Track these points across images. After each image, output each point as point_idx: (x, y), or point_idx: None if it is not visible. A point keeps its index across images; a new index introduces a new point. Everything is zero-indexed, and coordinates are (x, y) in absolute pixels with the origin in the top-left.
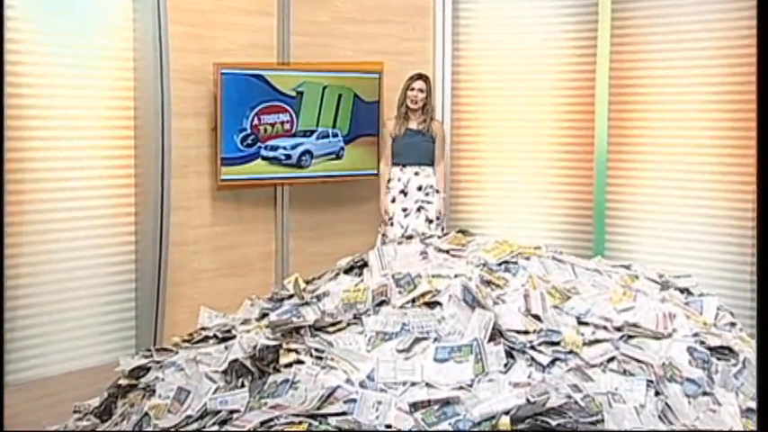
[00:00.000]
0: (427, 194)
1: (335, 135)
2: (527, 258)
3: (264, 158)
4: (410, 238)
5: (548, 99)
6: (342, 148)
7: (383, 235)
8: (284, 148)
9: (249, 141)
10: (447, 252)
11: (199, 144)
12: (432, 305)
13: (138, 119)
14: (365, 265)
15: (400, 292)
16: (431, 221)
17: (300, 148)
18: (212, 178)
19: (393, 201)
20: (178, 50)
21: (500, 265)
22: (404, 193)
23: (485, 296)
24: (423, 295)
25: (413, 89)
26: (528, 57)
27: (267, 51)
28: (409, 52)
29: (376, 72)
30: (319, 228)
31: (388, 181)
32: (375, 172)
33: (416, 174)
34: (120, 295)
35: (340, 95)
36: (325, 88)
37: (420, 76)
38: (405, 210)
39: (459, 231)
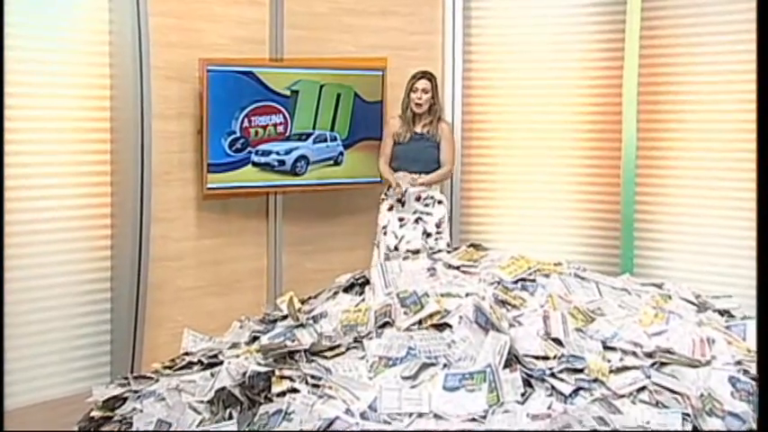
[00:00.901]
0: (427, 205)
1: (334, 139)
2: (546, 276)
3: (255, 165)
4: (416, 252)
5: (570, 99)
6: (341, 154)
7: (377, 245)
8: (277, 154)
9: (238, 146)
10: (457, 268)
11: (182, 149)
12: (441, 327)
13: (115, 120)
14: (367, 282)
15: (406, 313)
16: (429, 235)
17: (295, 154)
18: (197, 186)
19: (390, 209)
20: (160, 45)
21: (516, 283)
22: (401, 201)
23: (499, 317)
24: (431, 316)
25: (416, 90)
26: (548, 53)
27: (258, 46)
28: (416, 47)
29: (379, 69)
30: (316, 241)
31: (387, 188)
32: (378, 179)
33: (415, 180)
34: (93, 316)
35: (339, 95)
36: (322, 87)
37: (423, 75)
38: (401, 219)
39: (470, 246)
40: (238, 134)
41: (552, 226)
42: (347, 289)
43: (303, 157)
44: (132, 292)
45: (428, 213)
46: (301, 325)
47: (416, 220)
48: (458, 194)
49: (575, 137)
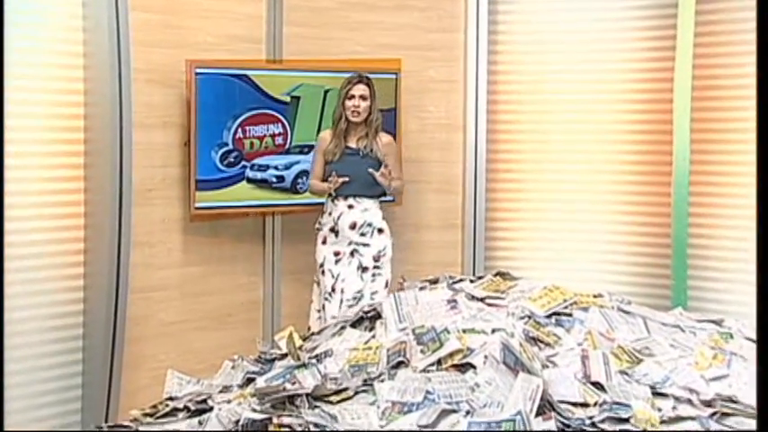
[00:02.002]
0: (363, 234)
1: None
2: (585, 309)
3: (250, 181)
4: (435, 282)
5: (612, 107)
6: None
7: (317, 283)
8: (275, 169)
9: (231, 159)
10: (482, 300)
11: (167, 163)
12: (463, 368)
13: (90, 131)
14: (378, 316)
15: (423, 351)
16: (364, 270)
17: (296, 169)
18: (184, 206)
19: (324, 242)
20: (141, 44)
21: (550, 317)
22: (334, 232)
23: (531, 357)
24: (451, 355)
25: (351, 97)
26: (587, 54)
27: (254, 45)
28: (435, 46)
29: (392, 72)
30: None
31: (321, 215)
32: (392, 198)
33: (350, 207)
34: (63, 356)
35: None
36: (327, 92)
37: (360, 79)
38: (336, 254)
39: (496, 274)
40: (231, 146)
41: (591, 252)
42: (355, 323)
43: (305, 172)
44: (108, 328)
45: (365, 245)
46: (303, 365)
47: (352, 253)
48: (482, 215)
49: (618, 149)
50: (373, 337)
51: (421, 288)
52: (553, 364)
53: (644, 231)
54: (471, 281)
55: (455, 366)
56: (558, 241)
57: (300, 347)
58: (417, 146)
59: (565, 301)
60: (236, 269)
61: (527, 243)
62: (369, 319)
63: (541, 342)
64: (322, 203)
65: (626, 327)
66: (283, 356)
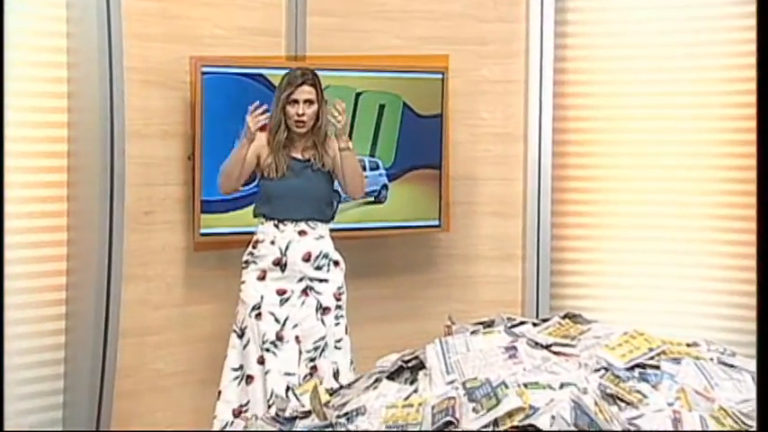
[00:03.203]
0: (319, 268)
1: (375, 167)
2: (676, 361)
3: None
4: (490, 325)
5: (702, 118)
6: (384, 187)
7: (238, 334)
8: None
9: None
10: (548, 348)
11: (167, 180)
12: (525, 430)
13: (75, 142)
14: (421, 366)
15: (476, 410)
16: (325, 311)
17: None
18: (187, 232)
19: (262, 278)
20: (136, 38)
21: (632, 370)
22: (280, 265)
23: (608, 419)
24: (510, 415)
25: (295, 102)
26: (675, 48)
27: (272, 39)
28: (488, 40)
29: (437, 71)
30: (351, 308)
31: (254, 244)
32: (436, 223)
33: (302, 233)
34: (39, 414)
35: (382, 106)
36: (359, 96)
37: (304, 79)
38: (282, 293)
39: (565, 316)
40: None
41: (683, 290)
42: (393, 375)
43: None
44: (94, 379)
45: (322, 280)
46: (330, 425)
47: (305, 291)
48: (546, 244)
49: (708, 163)
50: (415, 391)
51: (473, 332)
52: (636, 427)
53: (747, 266)
54: (534, 324)
55: (515, 428)
56: (641, 276)
57: (327, 404)
58: (468, 160)
59: (650, 350)
60: None
61: (602, 278)
62: (409, 369)
63: (622, 400)
64: (364, 228)
65: (729, 384)
66: (306, 414)
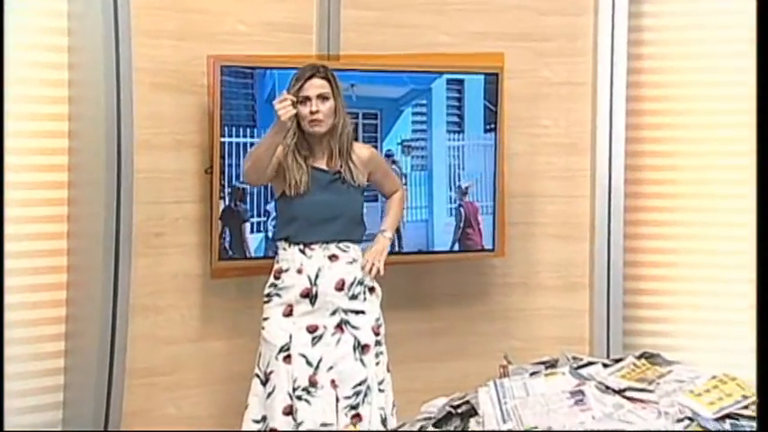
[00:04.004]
0: (355, 297)
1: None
2: None
3: None
4: (553, 365)
5: None
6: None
7: (261, 379)
8: None
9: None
10: (621, 393)
11: (181, 197)
12: None
13: (76, 154)
14: (472, 412)
15: None
16: (364, 349)
17: None
18: (204, 257)
19: (288, 313)
20: (146, 34)
21: (722, 420)
22: (309, 297)
23: None
24: None
25: (306, 99)
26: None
27: (301, 36)
28: (551, 35)
29: (491, 71)
30: (394, 345)
31: (276, 274)
32: (489, 247)
33: (333, 258)
34: None
35: None
36: (400, 100)
37: (314, 71)
38: (313, 330)
39: (641, 356)
40: None
41: None
42: (441, 422)
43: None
44: (97, 425)
45: (358, 312)
46: None
47: (340, 327)
48: (618, 271)
49: None
50: None
51: (532, 374)
52: None
53: None
54: (605, 365)
55: None
56: (731, 311)
57: None
58: (526, 175)
59: (744, 397)
60: None
61: (685, 312)
62: (459, 416)
63: None
64: (405, 252)
65: None
66: None
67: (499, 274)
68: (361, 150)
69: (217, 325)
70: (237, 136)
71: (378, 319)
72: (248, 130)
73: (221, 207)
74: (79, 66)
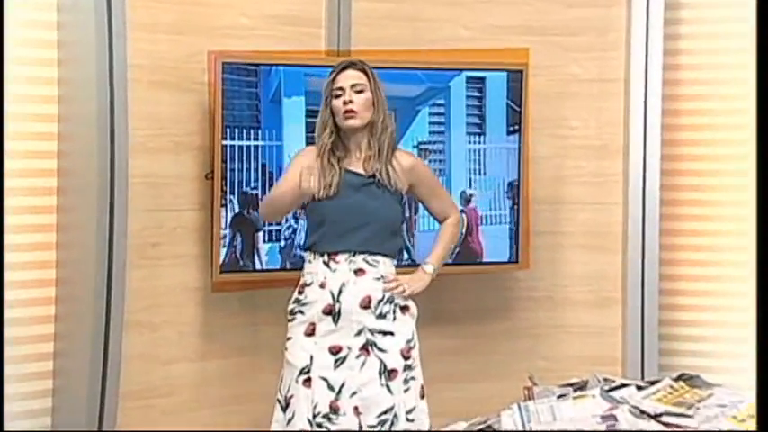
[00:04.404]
0: (383, 316)
1: None
2: None
3: None
4: (582, 387)
5: None
6: None
7: (282, 405)
8: None
9: None
10: (656, 418)
11: (179, 204)
12: None
13: (66, 157)
14: None
15: None
16: (391, 374)
17: None
18: (205, 269)
19: (311, 332)
20: (142, 28)
21: None
22: (332, 314)
23: None
24: None
25: (340, 91)
26: None
27: (309, 30)
28: (578, 29)
29: (515, 68)
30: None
31: (300, 289)
32: (513, 258)
33: (359, 272)
34: None
35: None
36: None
37: (349, 62)
38: (336, 351)
39: (679, 378)
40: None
41: None
42: None
43: None
44: None
45: (386, 332)
46: None
47: (365, 348)
48: (654, 285)
49: None
50: None
51: (560, 396)
52: None
53: None
54: (639, 387)
55: None
56: None
57: None
58: (553, 180)
59: None
60: (280, 364)
61: (726, 330)
62: None
63: None
64: (418, 264)
65: None
66: None
67: (524, 288)
68: (403, 157)
69: (217, 343)
70: (240, 138)
71: (409, 341)
72: (252, 131)
73: (232, 214)
74: (70, 62)
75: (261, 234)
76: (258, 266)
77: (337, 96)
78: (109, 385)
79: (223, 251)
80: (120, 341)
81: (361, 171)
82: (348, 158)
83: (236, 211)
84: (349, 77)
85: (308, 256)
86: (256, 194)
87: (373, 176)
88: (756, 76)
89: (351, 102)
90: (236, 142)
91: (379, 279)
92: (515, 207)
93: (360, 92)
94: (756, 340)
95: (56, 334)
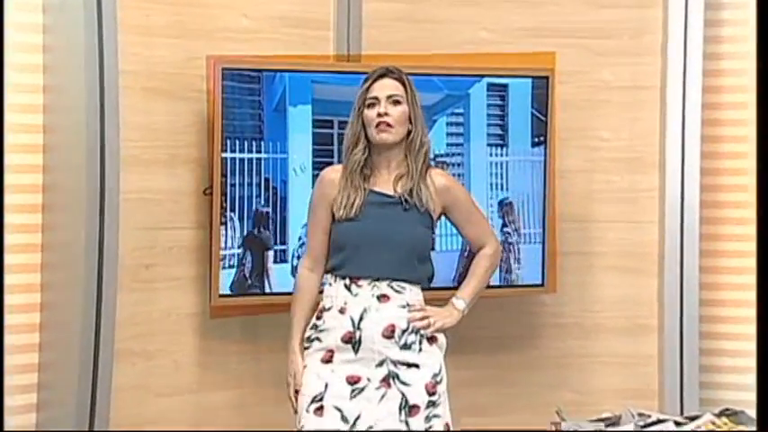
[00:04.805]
0: (407, 347)
1: None
2: None
3: None
4: (615, 422)
5: None
6: None
7: None
8: None
9: None
10: None
11: (175, 222)
12: None
13: (51, 171)
14: None
15: None
16: (412, 410)
17: None
18: (203, 293)
19: (328, 359)
20: (135, 31)
21: None
22: (352, 343)
23: None
24: None
25: (374, 101)
26: None
27: (317, 33)
28: (611, 31)
29: (540, 73)
30: None
31: (318, 314)
32: (539, 281)
33: (382, 298)
34: None
35: None
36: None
37: (385, 70)
38: (354, 382)
39: (721, 413)
40: None
41: None
42: None
43: None
44: None
45: (410, 365)
46: None
47: (386, 381)
48: (693, 311)
49: None
50: None
51: (599, 420)
52: None
53: None
54: (677, 423)
55: None
56: None
57: None
58: (582, 196)
59: None
60: (285, 396)
61: None
62: None
63: None
64: (439, 288)
65: None
66: None
67: (550, 314)
68: (437, 177)
69: (217, 373)
70: (242, 151)
71: (436, 375)
72: (254, 143)
73: (239, 233)
74: (56, 68)
75: (271, 253)
76: (267, 289)
77: (370, 105)
78: (98, 421)
79: (231, 271)
80: (111, 372)
81: (389, 191)
82: (375, 177)
83: (249, 229)
84: (385, 87)
85: (328, 278)
86: (267, 212)
87: (398, 198)
88: (757, 76)
89: (386, 114)
90: (237, 155)
91: (404, 307)
92: (541, 226)
93: (396, 103)
94: (757, 337)
95: (40, 364)
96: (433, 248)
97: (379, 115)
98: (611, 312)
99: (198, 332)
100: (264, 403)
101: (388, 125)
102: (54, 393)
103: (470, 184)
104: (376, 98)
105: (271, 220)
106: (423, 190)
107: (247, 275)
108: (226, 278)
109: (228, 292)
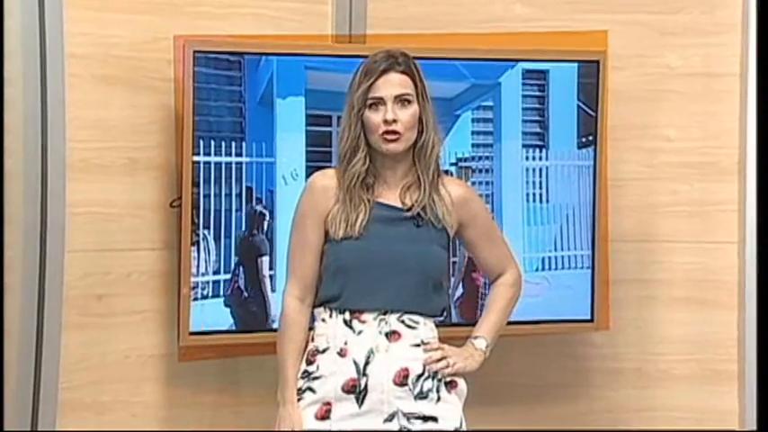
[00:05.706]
0: (423, 396)
1: None
2: None
3: None
4: None
5: None
6: None
7: None
8: None
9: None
10: None
11: (136, 242)
12: None
13: None
14: None
15: None
16: None
17: None
18: (169, 330)
19: (325, 415)
20: (84, 6)
21: None
22: (356, 392)
23: None
24: None
25: (378, 102)
26: None
27: (311, 8)
28: (678, 5)
29: (588, 57)
30: None
31: (309, 357)
32: (587, 317)
33: (393, 336)
34: None
35: None
36: (453, 101)
37: (390, 62)
38: None
39: None
40: (265, 204)
41: None
42: None
43: None
44: None
45: (428, 418)
46: None
47: None
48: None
49: None
50: None
51: None
52: None
53: None
54: None
55: None
56: None
57: None
58: (641, 209)
59: None
60: None
61: None
62: None
63: None
64: (468, 324)
65: None
66: None
67: (602, 356)
68: (453, 186)
69: (185, 427)
70: (219, 153)
71: (458, 428)
72: (234, 143)
73: (219, 254)
74: None
75: (266, 259)
76: (265, 298)
77: (373, 106)
78: None
79: (205, 302)
80: (54, 429)
81: (396, 203)
82: (379, 186)
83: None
84: (392, 84)
85: (321, 313)
86: (263, 213)
87: (411, 209)
88: (757, 76)
89: (394, 121)
90: (213, 158)
91: (418, 346)
92: (590, 247)
93: (406, 103)
94: (757, 336)
95: None
96: (453, 274)
97: (386, 122)
98: (679, 356)
99: (163, 378)
100: None
101: (398, 134)
102: None
103: (501, 195)
104: (381, 99)
105: (267, 223)
106: (437, 202)
107: (242, 287)
108: (197, 312)
109: (200, 330)
